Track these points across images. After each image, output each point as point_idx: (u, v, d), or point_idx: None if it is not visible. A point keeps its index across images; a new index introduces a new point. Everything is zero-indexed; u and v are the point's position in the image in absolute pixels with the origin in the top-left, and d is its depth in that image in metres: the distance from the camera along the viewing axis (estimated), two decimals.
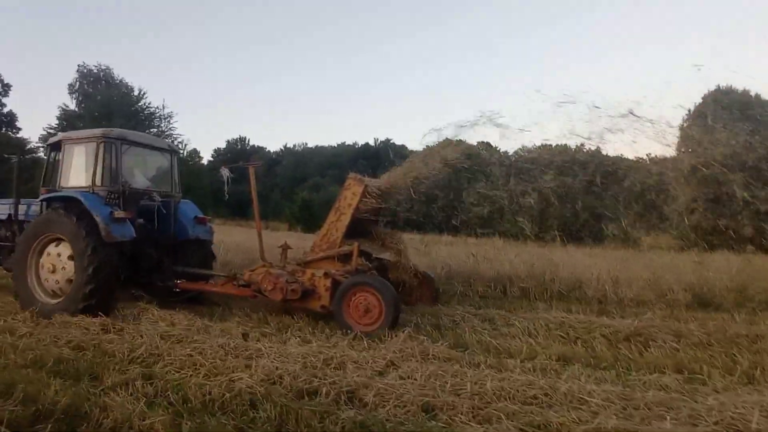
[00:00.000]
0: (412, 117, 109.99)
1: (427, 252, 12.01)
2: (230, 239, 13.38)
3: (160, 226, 7.88)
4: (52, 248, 7.03)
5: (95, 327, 5.94)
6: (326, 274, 6.98)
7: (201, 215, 8.42)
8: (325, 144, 63.63)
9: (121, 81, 33.80)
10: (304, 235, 17.54)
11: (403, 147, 54.41)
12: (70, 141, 7.46)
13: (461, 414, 3.72)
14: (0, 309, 7.14)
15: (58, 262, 6.90)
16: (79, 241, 6.58)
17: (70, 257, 6.81)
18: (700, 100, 18.51)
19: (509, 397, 4.00)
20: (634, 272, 9.90)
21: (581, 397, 3.98)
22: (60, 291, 6.93)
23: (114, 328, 5.96)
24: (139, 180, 8.01)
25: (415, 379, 4.45)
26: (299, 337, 6.08)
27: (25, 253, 7.05)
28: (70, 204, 6.88)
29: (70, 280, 6.80)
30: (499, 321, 7.24)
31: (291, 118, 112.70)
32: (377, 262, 8.00)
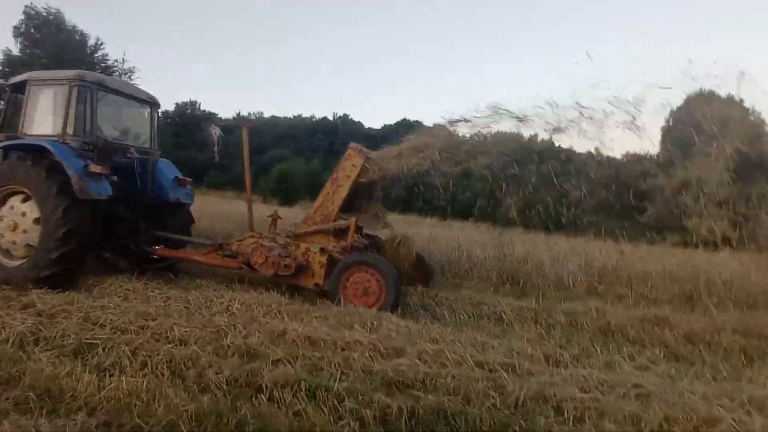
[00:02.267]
0: (367, 94, 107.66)
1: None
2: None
3: (137, 184, 7.13)
4: (16, 202, 6.18)
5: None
6: (323, 250, 6.51)
7: (181, 176, 7.70)
8: (280, 115, 61.46)
9: (73, 28, 30.85)
10: (282, 209, 16.80)
11: (359, 124, 53.76)
12: (37, 82, 6.52)
13: None
14: None
15: (21, 221, 6.07)
16: (47, 198, 5.80)
17: (37, 221, 6.01)
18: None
19: None
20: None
21: None
22: (13, 252, 6.12)
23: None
24: (115, 132, 7.20)
25: None
26: None
27: None
28: (37, 154, 6.05)
29: (30, 246, 6.02)
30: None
31: (245, 86, 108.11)
32: (369, 240, 7.62)
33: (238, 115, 53.75)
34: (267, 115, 58.08)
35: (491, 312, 6.56)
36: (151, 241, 7.24)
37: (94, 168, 6.03)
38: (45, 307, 4.86)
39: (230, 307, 5.55)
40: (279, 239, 6.88)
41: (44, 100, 6.48)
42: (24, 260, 6.05)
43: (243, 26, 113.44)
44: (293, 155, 40.40)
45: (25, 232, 6.07)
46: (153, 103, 7.57)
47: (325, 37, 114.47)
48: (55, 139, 6.24)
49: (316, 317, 5.36)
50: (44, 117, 6.45)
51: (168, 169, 7.66)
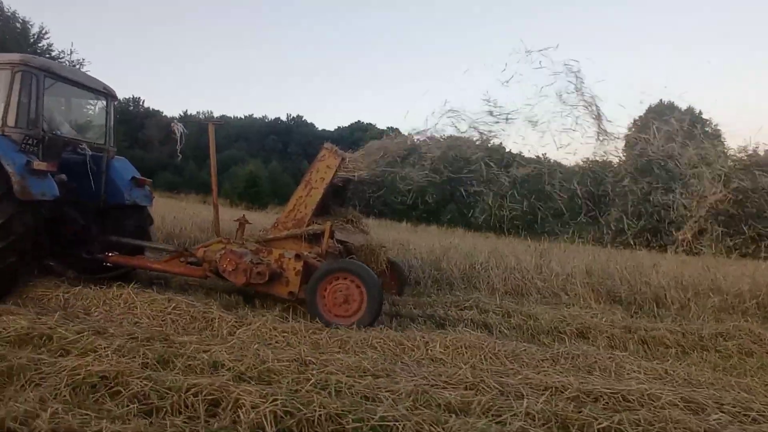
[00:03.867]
0: (318, 96, 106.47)
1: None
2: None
3: (88, 184, 6.43)
4: None
5: None
6: (298, 256, 6.07)
7: (138, 175, 7.05)
8: (231, 115, 59.82)
9: (13, 14, 28.62)
10: (252, 214, 16.12)
11: (312, 125, 53.20)
12: None
13: None
14: None
15: None
16: None
17: None
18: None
19: None
20: None
21: None
22: None
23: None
24: (64, 126, 6.48)
25: None
26: None
27: None
28: None
29: None
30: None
31: (192, 84, 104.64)
32: (340, 245, 7.24)
33: (185, 113, 51.81)
34: (217, 114, 56.42)
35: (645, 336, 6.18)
36: (104, 247, 6.57)
37: (38, 165, 5.34)
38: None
39: None
40: (248, 245, 6.39)
41: None
42: None
43: (191, 24, 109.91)
44: (248, 156, 39.27)
45: None
46: (109, 95, 6.88)
47: (276, 37, 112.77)
48: None
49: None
50: None
51: (124, 168, 7.00)
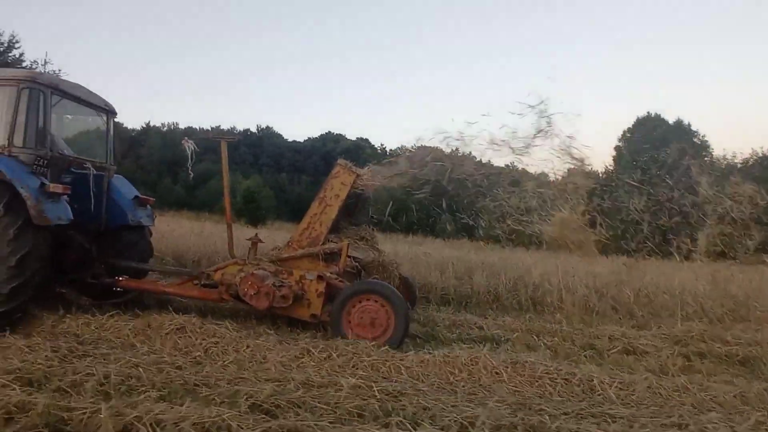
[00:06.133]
0: (281, 104, 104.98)
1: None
2: None
3: (88, 205, 6.10)
4: None
5: None
6: (320, 278, 5.96)
7: (139, 194, 6.75)
8: (196, 126, 58.21)
9: None
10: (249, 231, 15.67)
11: (279, 136, 52.39)
12: None
13: None
14: None
15: None
16: None
17: None
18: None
19: None
20: None
21: None
22: None
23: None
24: (64, 144, 6.13)
25: None
26: None
27: None
28: None
29: None
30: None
31: (158, 94, 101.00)
32: (356, 263, 7.17)
33: (148, 124, 49.91)
34: (182, 125, 54.66)
35: None
36: (108, 271, 6.24)
37: (54, 188, 5.03)
38: None
39: None
40: (264, 265, 6.23)
41: None
42: None
43: (154, 32, 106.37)
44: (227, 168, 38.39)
45: None
46: (109, 111, 6.57)
47: (237, 46, 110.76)
48: None
49: None
50: None
51: (125, 187, 6.69)
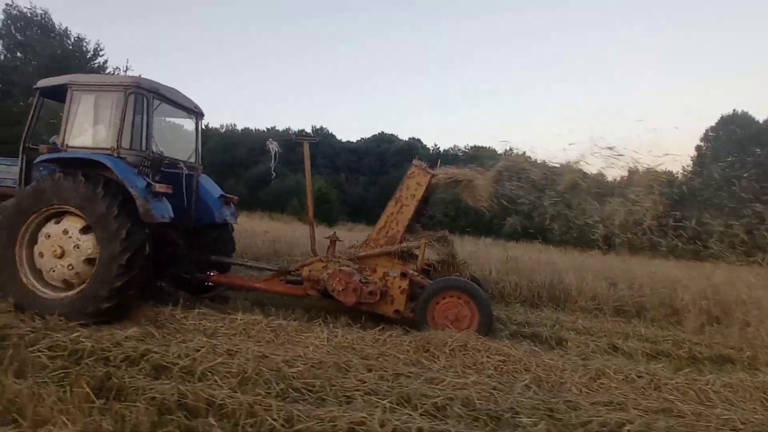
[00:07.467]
0: (335, 106, 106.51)
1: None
2: None
3: (180, 203, 6.41)
4: (51, 226, 5.38)
5: None
6: (403, 275, 6.04)
7: (224, 193, 7.04)
8: (252, 128, 59.70)
9: (65, 31, 28.11)
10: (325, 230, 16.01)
11: (333, 137, 52.99)
12: (82, 87, 5.69)
13: None
14: None
15: (67, 242, 5.26)
16: (107, 221, 5.05)
17: (84, 230, 5.28)
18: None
19: None
20: None
21: None
22: (77, 278, 5.31)
23: None
24: (160, 145, 6.47)
25: None
26: None
27: (13, 233, 5.32)
28: (87, 169, 5.28)
29: (90, 261, 5.24)
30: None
31: (216, 97, 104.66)
32: (433, 261, 7.19)
33: (207, 126, 51.84)
34: (240, 127, 56.50)
35: None
36: (199, 266, 6.54)
37: (159, 187, 5.34)
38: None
39: None
40: (344, 262, 6.37)
41: (92, 107, 5.69)
42: (66, 291, 5.25)
43: (212, 37, 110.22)
44: (287, 171, 39.05)
45: (77, 248, 5.26)
46: (198, 113, 6.90)
47: (291, 51, 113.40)
48: (108, 152, 5.49)
49: None
50: (92, 127, 5.68)
51: (211, 186, 7.00)
